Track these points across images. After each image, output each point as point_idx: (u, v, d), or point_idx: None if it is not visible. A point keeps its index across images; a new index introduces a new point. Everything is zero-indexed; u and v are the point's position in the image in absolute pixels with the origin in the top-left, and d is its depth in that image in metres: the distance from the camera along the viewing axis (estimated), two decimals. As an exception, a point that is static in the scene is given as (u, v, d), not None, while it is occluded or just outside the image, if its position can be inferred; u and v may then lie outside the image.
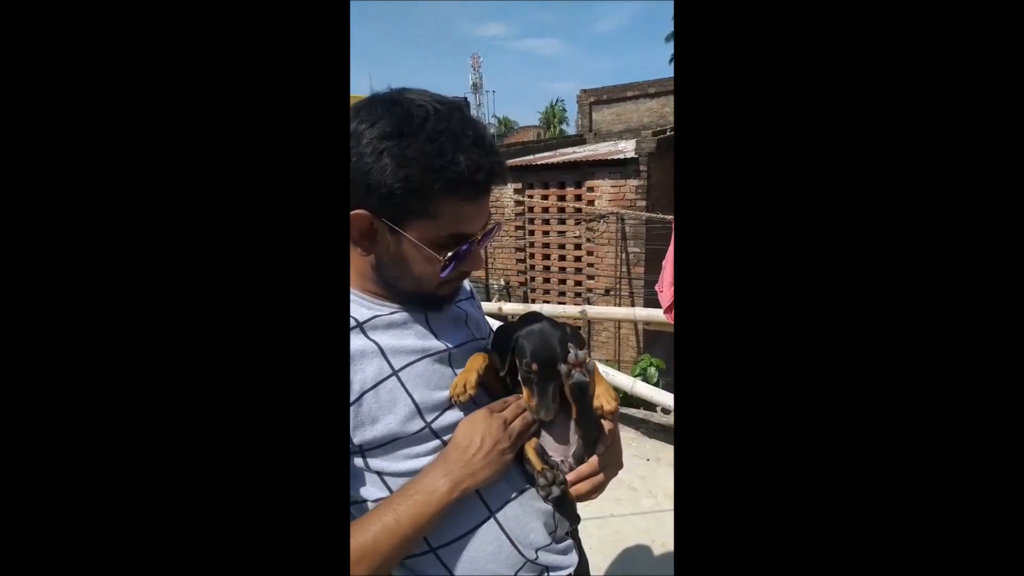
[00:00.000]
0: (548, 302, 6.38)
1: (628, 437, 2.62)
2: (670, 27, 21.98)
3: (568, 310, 2.91)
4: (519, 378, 0.59)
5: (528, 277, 6.22)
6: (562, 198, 5.79)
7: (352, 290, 0.58)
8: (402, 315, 0.59)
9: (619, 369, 2.95)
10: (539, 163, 6.05)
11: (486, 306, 3.21)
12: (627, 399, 3.87)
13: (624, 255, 5.61)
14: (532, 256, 6.14)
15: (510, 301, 5.52)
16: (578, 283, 5.90)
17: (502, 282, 6.38)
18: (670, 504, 2.11)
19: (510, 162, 6.15)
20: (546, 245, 6.00)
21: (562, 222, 5.84)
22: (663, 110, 7.86)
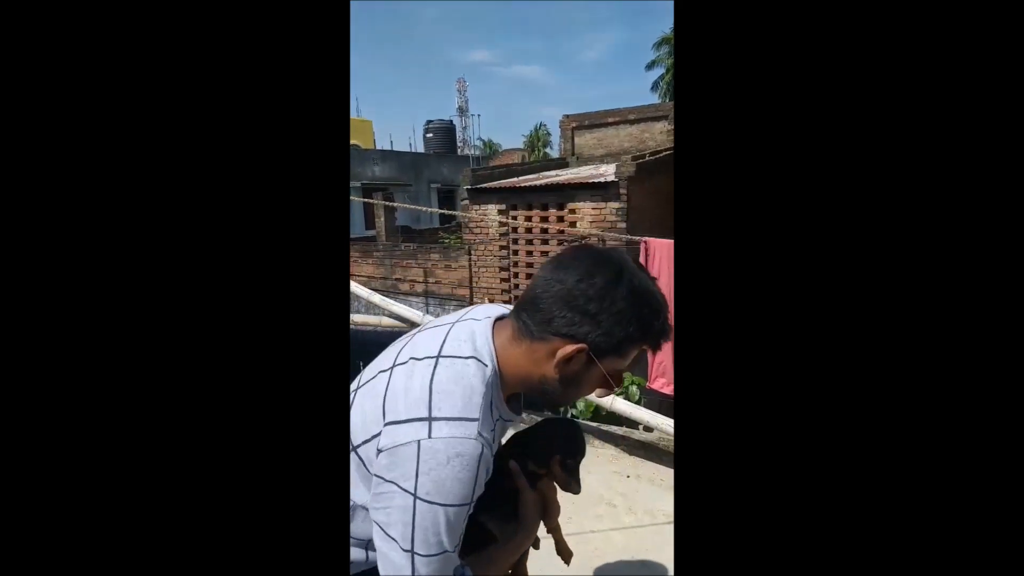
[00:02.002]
0: (532, 321, 6.42)
1: (609, 454, 2.65)
2: (650, 57, 22.76)
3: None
4: (556, 468, 0.77)
5: (512, 296, 6.28)
6: (545, 219, 5.91)
7: (496, 398, 0.67)
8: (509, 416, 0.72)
9: (600, 387, 3.01)
10: (523, 185, 6.18)
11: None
12: (608, 416, 3.90)
13: (606, 275, 5.70)
14: (516, 276, 6.21)
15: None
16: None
17: (486, 301, 6.42)
18: (650, 520, 2.14)
19: (494, 184, 6.27)
20: (529, 265, 6.08)
21: (545, 243, 5.95)
22: (642, 136, 8.11)
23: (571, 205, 5.73)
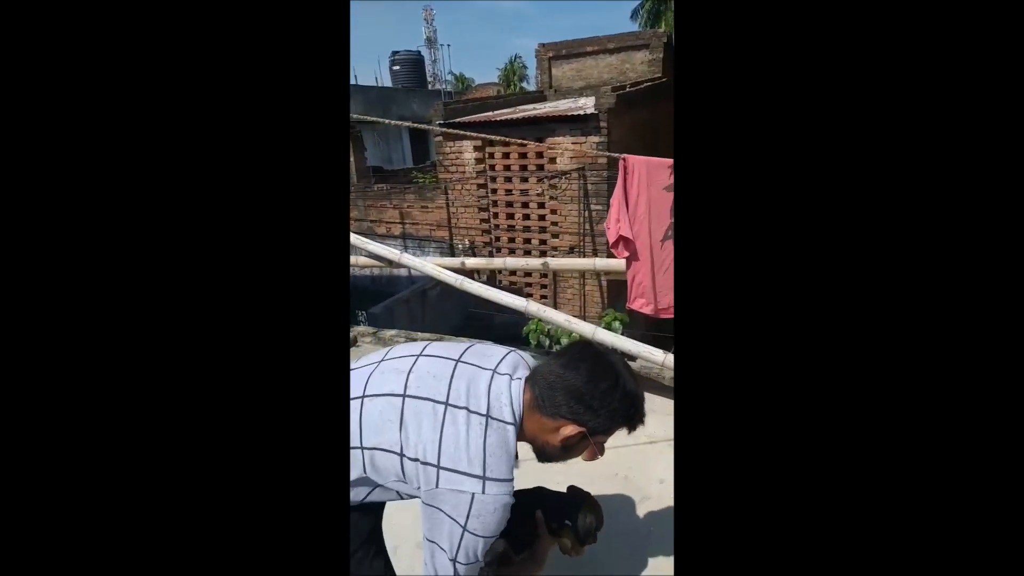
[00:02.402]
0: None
1: (592, 384, 2.72)
2: (630, -20, 21.34)
3: (531, 263, 2.93)
4: (565, 533, 1.09)
5: (492, 237, 6.19)
6: (523, 155, 5.72)
7: (509, 457, 0.87)
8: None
9: (583, 321, 3.04)
10: (499, 119, 5.91)
11: (448, 262, 3.18)
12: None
13: (587, 213, 5.65)
14: (496, 216, 6.09)
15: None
16: (543, 241, 5.92)
17: (466, 242, 6.32)
18: (633, 441, 2.22)
19: (469, 119, 5.98)
20: (509, 204, 5.95)
21: (524, 180, 5.80)
22: (622, 66, 7.76)
23: (550, 140, 5.54)
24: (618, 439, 2.32)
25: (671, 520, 1.78)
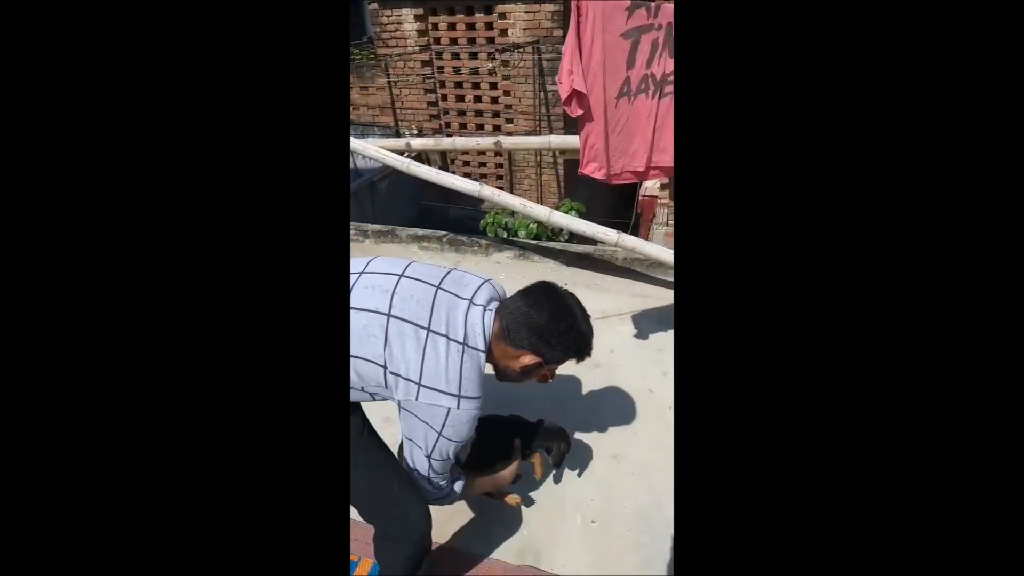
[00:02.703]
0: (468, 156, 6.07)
1: (548, 267, 2.75)
2: None
3: (482, 142, 2.76)
4: (537, 458, 1.34)
5: (442, 122, 5.78)
6: (471, 26, 5.15)
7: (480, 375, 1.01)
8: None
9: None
10: (442, -19, 5.19)
11: (393, 143, 2.96)
12: (545, 231, 3.98)
13: (543, 94, 5.30)
14: (444, 98, 5.63)
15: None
16: (496, 127, 5.59)
17: (414, 129, 5.89)
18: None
19: (408, -20, 5.23)
20: (459, 84, 5.48)
21: (473, 56, 5.28)
22: (581, -83, 6.82)
23: (500, 8, 4.98)
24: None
25: (619, 383, 1.92)
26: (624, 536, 1.34)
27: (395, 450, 1.18)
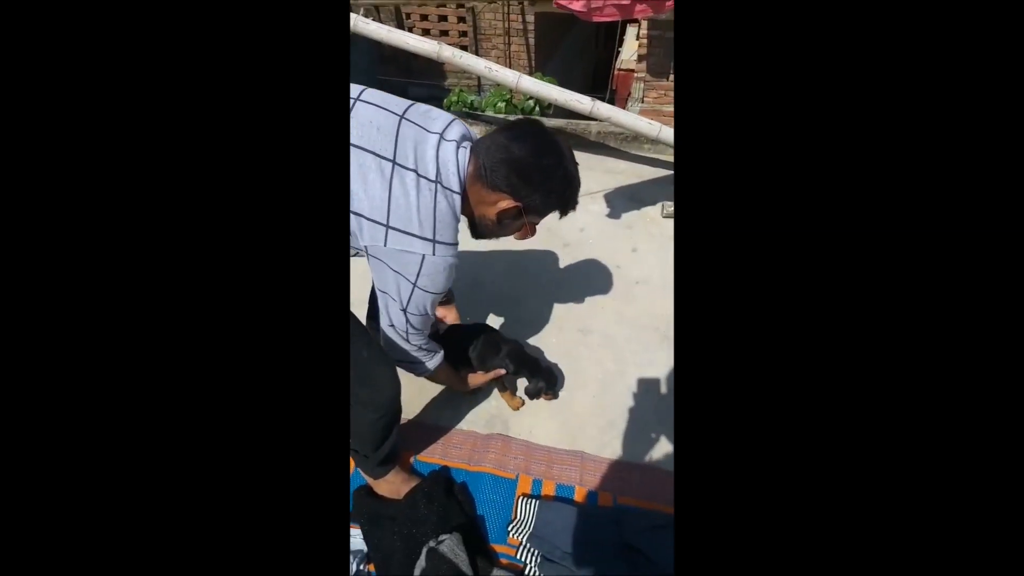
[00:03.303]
0: (427, 18, 5.38)
1: (516, 144, 2.56)
2: None
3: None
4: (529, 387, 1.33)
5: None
6: None
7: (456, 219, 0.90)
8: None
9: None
10: None
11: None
12: (514, 110, 3.69)
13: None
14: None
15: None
16: (460, 4, 4.90)
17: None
18: (556, 197, 2.20)
19: None
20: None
21: None
22: None
23: None
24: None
25: (587, 260, 1.89)
26: (588, 401, 1.39)
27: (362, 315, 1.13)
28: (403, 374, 1.40)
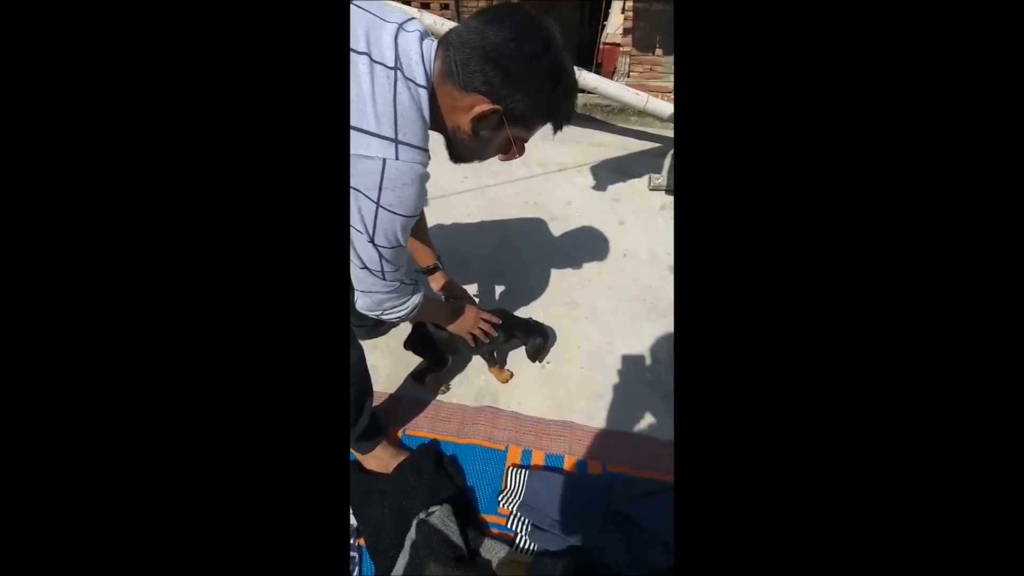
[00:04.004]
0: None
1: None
2: None
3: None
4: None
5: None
6: None
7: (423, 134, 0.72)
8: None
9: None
10: None
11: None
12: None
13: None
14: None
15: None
16: None
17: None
18: (542, 170, 2.17)
19: None
20: None
21: None
22: None
23: None
24: (530, 165, 2.26)
25: (574, 234, 1.87)
26: (577, 374, 1.39)
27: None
28: (377, 344, 1.37)
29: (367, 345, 1.41)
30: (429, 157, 0.73)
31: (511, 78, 0.68)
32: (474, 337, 1.19)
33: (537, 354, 1.32)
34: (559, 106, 0.73)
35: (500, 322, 1.21)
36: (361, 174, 0.67)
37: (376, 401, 1.28)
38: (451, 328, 1.15)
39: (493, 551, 0.98)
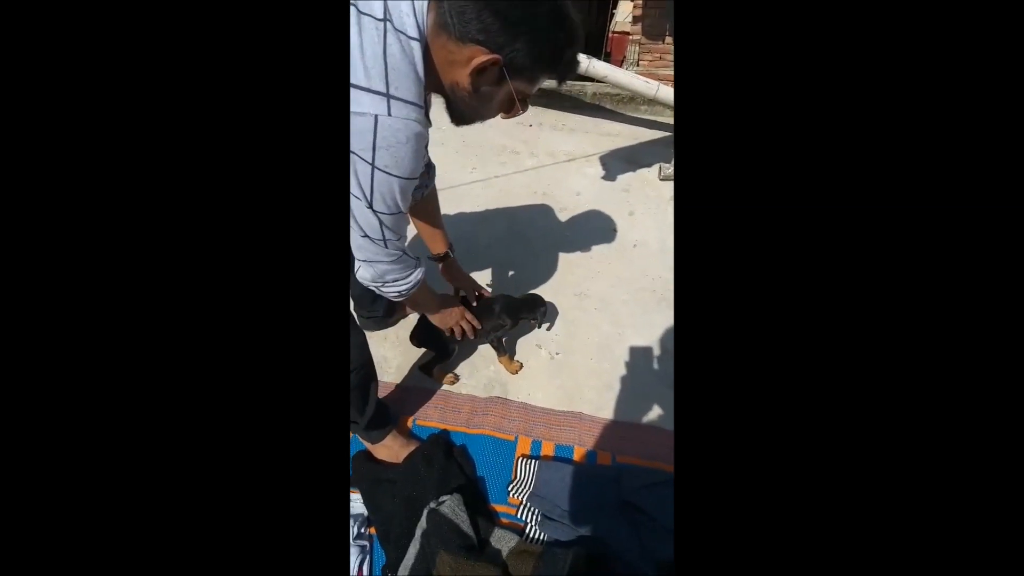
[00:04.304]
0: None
1: (509, 108, 2.49)
2: None
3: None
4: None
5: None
6: None
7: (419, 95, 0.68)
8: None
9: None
10: None
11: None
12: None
13: None
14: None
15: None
16: None
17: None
18: (551, 160, 2.16)
19: None
20: None
21: None
22: None
23: None
24: (539, 155, 2.24)
25: (584, 225, 1.86)
26: (586, 365, 1.38)
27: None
28: (387, 335, 1.37)
29: (377, 336, 1.42)
30: (428, 118, 0.68)
31: (510, 24, 0.64)
32: (473, 329, 1.20)
33: (543, 321, 1.40)
34: (561, 52, 0.68)
35: (480, 327, 1.22)
36: (353, 133, 0.64)
37: (386, 392, 1.28)
38: (434, 319, 1.16)
39: (503, 541, 0.99)
